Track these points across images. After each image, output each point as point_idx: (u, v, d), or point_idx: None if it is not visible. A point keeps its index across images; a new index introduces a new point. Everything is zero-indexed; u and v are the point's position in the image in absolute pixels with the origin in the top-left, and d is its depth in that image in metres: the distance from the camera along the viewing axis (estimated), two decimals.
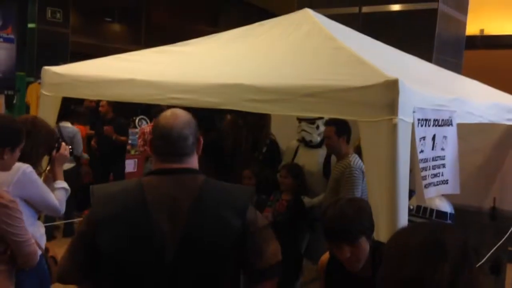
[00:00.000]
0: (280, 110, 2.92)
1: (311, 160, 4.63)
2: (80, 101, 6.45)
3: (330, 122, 4.11)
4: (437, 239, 1.30)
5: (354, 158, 4.02)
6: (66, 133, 6.60)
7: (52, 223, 6.40)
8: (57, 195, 2.90)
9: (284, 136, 5.02)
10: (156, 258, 1.76)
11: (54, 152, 3.06)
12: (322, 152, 4.58)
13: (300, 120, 4.64)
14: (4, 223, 2.44)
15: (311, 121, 4.57)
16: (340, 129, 4.06)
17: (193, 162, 1.92)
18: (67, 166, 6.47)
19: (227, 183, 1.95)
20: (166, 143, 1.86)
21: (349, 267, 2.17)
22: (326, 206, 2.18)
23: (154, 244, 1.76)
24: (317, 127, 4.59)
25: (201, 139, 1.95)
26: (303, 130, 4.61)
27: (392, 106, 2.52)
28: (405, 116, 2.58)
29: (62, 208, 2.91)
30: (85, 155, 7.12)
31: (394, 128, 2.51)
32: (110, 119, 7.05)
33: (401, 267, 1.28)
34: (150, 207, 1.78)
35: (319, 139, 4.60)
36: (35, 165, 2.82)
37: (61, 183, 3.03)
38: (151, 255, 1.76)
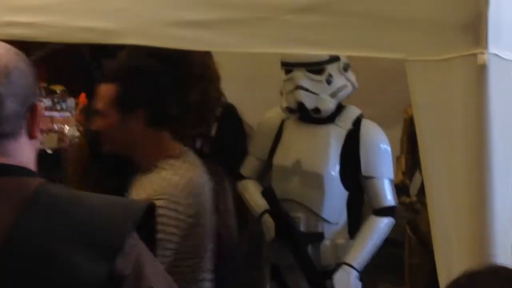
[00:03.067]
0: (244, 44, 1.80)
1: (318, 147, 2.59)
2: None
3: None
4: None
5: None
6: None
7: None
8: None
9: (253, 101, 3.04)
10: None
11: None
12: (339, 130, 2.60)
13: (288, 65, 2.54)
14: None
15: (315, 66, 2.51)
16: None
17: (21, 152, 1.30)
18: None
19: (94, 194, 1.32)
20: None
21: None
22: None
23: None
24: (328, 80, 2.52)
25: (39, 107, 1.29)
26: (298, 87, 2.51)
27: (476, 31, 1.59)
28: (501, 49, 1.67)
29: None
30: None
31: (480, 71, 1.60)
32: None
33: None
34: None
35: (332, 105, 2.54)
36: None
37: None
38: None
